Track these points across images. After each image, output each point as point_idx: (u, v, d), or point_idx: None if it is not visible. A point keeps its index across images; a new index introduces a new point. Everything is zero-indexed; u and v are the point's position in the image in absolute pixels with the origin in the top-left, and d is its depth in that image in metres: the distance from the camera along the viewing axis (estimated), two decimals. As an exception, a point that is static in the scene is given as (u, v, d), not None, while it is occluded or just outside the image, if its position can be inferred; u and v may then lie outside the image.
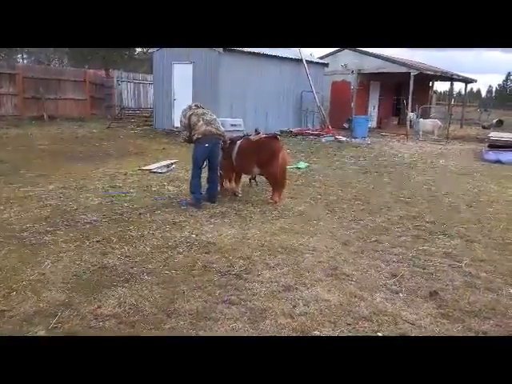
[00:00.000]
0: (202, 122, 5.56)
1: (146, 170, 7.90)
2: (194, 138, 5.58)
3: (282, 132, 15.12)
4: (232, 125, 11.91)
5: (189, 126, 5.64)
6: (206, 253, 4.11)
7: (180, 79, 14.56)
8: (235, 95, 14.15)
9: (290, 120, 16.34)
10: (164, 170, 7.87)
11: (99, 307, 3.04)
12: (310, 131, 15.56)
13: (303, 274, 3.72)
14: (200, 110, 5.73)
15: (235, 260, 3.96)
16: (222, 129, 5.78)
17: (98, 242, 4.28)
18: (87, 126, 15.35)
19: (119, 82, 19.24)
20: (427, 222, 5.34)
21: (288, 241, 4.52)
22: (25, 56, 41.27)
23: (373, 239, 4.68)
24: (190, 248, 4.21)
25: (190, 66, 14.26)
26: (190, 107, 5.83)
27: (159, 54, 15.31)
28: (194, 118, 5.60)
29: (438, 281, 3.71)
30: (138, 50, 27.13)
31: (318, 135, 14.96)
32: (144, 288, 3.36)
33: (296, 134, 15.04)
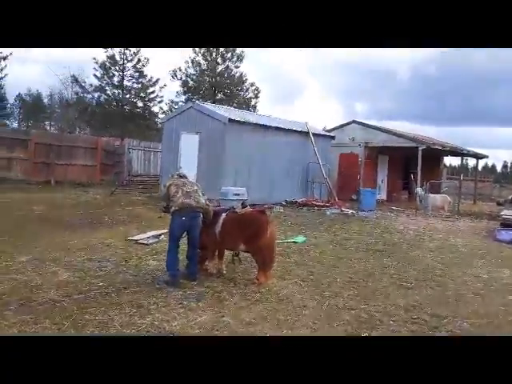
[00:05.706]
0: (180, 193, 5.24)
1: (133, 240, 7.53)
2: (172, 209, 5.23)
3: (287, 202, 14.86)
4: (235, 194, 11.72)
5: (167, 197, 5.34)
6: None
7: (187, 148, 14.72)
8: (240, 165, 14.12)
9: (296, 190, 16.12)
10: (151, 241, 7.48)
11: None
12: (315, 202, 15.24)
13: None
14: (181, 181, 5.43)
15: (194, 357, 3.39)
16: (203, 201, 5.40)
17: (46, 327, 3.79)
18: (92, 192, 15.38)
19: (130, 150, 19.67)
20: (427, 314, 4.70)
21: (262, 333, 3.94)
22: (52, 123, 43.71)
23: (362, 335, 4.06)
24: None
25: (197, 136, 14.46)
26: (172, 176, 5.57)
27: (169, 124, 15.70)
28: (172, 189, 5.30)
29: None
30: (156, 119, 27.87)
31: (323, 207, 14.61)
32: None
33: (302, 205, 14.72)
